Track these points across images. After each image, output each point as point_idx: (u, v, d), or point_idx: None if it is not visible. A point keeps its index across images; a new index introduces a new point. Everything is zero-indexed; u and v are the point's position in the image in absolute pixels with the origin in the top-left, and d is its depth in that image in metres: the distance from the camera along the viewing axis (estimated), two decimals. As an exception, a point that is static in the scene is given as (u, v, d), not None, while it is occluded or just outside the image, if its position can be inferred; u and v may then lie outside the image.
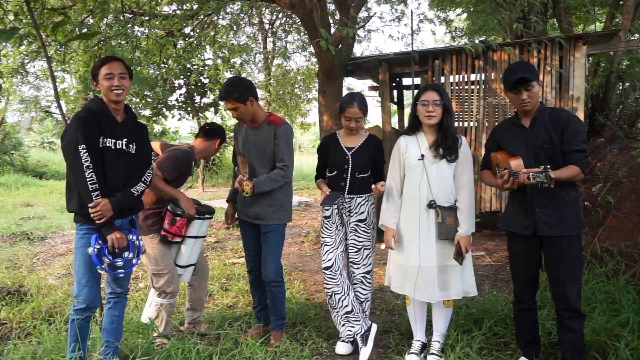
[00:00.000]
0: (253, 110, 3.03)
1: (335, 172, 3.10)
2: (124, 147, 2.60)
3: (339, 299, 3.03)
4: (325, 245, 3.09)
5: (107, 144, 2.54)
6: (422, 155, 2.77)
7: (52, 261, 5.58)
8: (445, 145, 2.75)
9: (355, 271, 3.11)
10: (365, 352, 2.93)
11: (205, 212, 3.16)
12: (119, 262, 2.59)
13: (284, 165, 3.02)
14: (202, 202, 3.28)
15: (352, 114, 2.99)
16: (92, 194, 2.43)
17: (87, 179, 2.42)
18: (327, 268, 3.06)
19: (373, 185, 3.02)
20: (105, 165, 2.52)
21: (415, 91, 6.12)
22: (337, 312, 3.05)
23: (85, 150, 2.42)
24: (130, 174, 2.64)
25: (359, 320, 3.01)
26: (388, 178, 2.96)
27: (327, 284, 3.06)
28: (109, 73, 2.53)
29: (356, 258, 3.10)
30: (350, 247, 3.11)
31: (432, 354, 2.85)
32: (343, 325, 3.04)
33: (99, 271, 2.54)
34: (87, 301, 2.55)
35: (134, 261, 2.66)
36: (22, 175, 15.26)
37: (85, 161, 2.42)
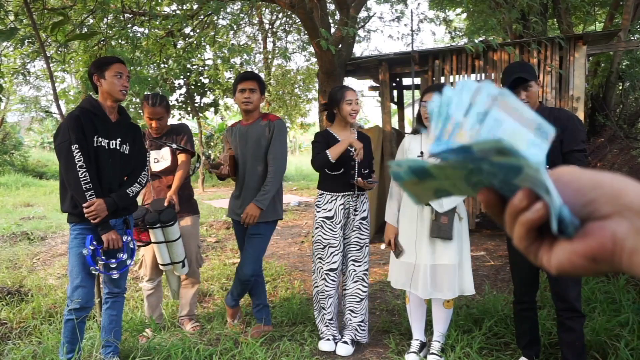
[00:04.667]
0: (259, 104, 3.19)
1: (342, 169, 3.05)
2: (118, 147, 2.58)
3: (331, 303, 3.09)
4: (330, 247, 3.05)
5: (101, 144, 2.52)
6: (422, 153, 2.79)
7: (52, 261, 5.58)
8: None
9: (356, 269, 3.11)
10: (347, 349, 3.02)
11: (156, 222, 3.08)
12: (113, 263, 2.59)
13: (274, 159, 3.07)
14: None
15: (353, 95, 3.03)
16: (86, 193, 2.41)
17: (81, 179, 2.40)
18: (332, 270, 3.04)
19: (359, 179, 3.01)
20: (99, 165, 2.51)
21: (416, 91, 6.13)
22: (325, 315, 3.10)
23: (78, 150, 2.40)
24: (125, 174, 2.64)
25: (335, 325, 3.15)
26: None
27: (327, 286, 3.05)
28: (120, 72, 2.55)
29: (358, 256, 3.10)
30: (353, 245, 3.10)
31: (432, 353, 2.85)
32: (327, 326, 3.12)
33: (93, 272, 2.54)
34: (81, 302, 2.53)
35: (128, 262, 2.66)
36: (22, 175, 15.26)
37: (79, 160, 2.40)
